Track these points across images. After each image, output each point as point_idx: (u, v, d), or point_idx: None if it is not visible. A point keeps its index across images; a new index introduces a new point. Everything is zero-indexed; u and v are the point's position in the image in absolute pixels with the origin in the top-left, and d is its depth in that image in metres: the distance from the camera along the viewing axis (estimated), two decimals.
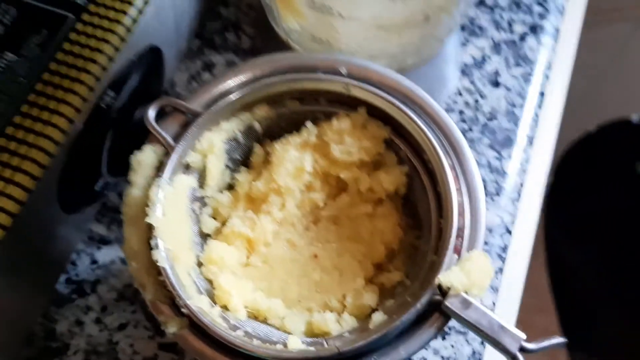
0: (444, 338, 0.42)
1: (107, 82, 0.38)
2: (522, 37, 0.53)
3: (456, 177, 0.31)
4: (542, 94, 0.51)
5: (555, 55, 0.54)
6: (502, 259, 0.45)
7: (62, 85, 0.36)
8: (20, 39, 0.37)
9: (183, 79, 0.50)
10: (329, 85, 0.34)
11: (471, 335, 0.43)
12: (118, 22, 0.38)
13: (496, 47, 0.52)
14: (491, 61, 0.52)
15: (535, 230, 0.53)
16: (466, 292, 0.28)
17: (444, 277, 0.29)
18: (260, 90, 0.34)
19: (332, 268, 0.35)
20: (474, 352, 0.42)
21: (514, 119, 0.50)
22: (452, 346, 0.42)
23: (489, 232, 0.45)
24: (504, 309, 0.46)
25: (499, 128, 0.49)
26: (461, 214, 0.30)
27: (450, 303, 0.28)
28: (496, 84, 0.51)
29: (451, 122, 0.32)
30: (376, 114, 0.34)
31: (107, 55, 0.37)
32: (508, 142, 0.49)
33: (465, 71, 0.51)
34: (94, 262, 0.44)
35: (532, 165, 0.50)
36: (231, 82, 0.34)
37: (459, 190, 0.31)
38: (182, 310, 0.29)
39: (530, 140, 0.50)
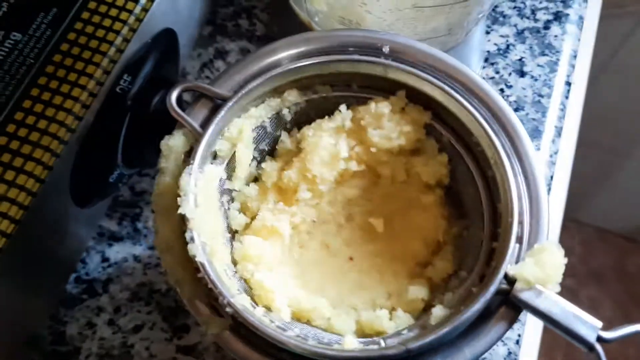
0: None
1: (122, 66, 0.35)
2: (546, 25, 0.51)
3: (510, 160, 0.29)
4: (568, 84, 0.50)
5: (580, 44, 0.52)
6: None
7: (74, 67, 0.34)
8: (28, 18, 0.34)
9: (195, 67, 0.48)
10: (366, 68, 0.31)
11: (506, 334, 0.41)
12: (134, 0, 0.35)
13: (520, 34, 0.50)
14: (515, 50, 0.50)
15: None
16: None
17: (516, 270, 0.26)
18: (290, 73, 0.31)
19: (371, 270, 0.32)
20: (509, 353, 0.40)
21: (542, 110, 0.48)
22: None
23: None
24: None
25: (526, 119, 0.47)
26: (519, 197, 0.28)
27: (520, 293, 0.26)
28: (522, 73, 0.49)
29: (500, 98, 0.30)
30: (416, 98, 0.32)
31: (122, 36, 0.35)
32: (536, 133, 0.47)
33: (489, 60, 0.49)
34: (104, 260, 0.41)
35: (560, 157, 0.48)
36: (259, 63, 0.31)
37: (514, 173, 0.28)
38: (226, 309, 0.26)
39: (559, 132, 0.48)
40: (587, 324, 0.26)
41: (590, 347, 0.26)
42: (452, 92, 0.30)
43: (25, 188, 0.31)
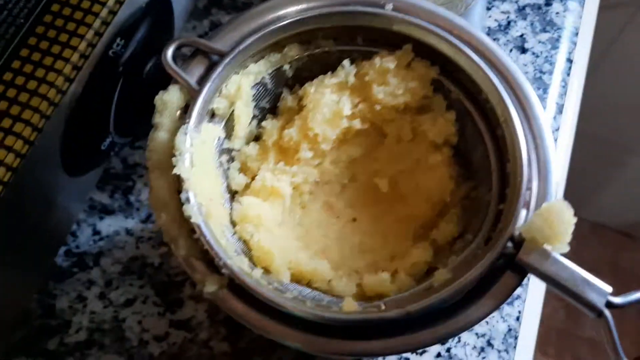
0: None
1: (115, 29, 0.34)
2: (548, 2, 0.50)
3: (520, 120, 0.28)
4: (569, 61, 0.49)
5: (581, 22, 0.51)
6: None
7: (65, 28, 0.33)
8: None
9: None
10: (369, 20, 0.30)
11: (506, 311, 0.40)
12: None
13: (521, 11, 0.50)
14: (517, 26, 0.49)
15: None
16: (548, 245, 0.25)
17: (523, 229, 0.25)
18: (291, 26, 0.30)
19: (374, 231, 0.31)
20: (509, 329, 0.40)
21: (544, 86, 0.47)
22: (487, 322, 0.40)
23: None
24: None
25: None
26: (529, 160, 0.27)
27: (527, 256, 0.25)
28: (523, 49, 0.48)
29: (509, 59, 0.29)
30: (423, 53, 0.31)
31: None
32: None
33: (490, 36, 0.48)
34: (96, 233, 0.40)
35: (561, 134, 0.48)
36: (260, 20, 0.30)
37: (524, 133, 0.27)
38: (223, 271, 0.25)
39: (560, 109, 0.47)
40: (596, 289, 0.24)
41: (599, 313, 0.25)
42: (461, 45, 0.29)
43: (13, 149, 0.30)
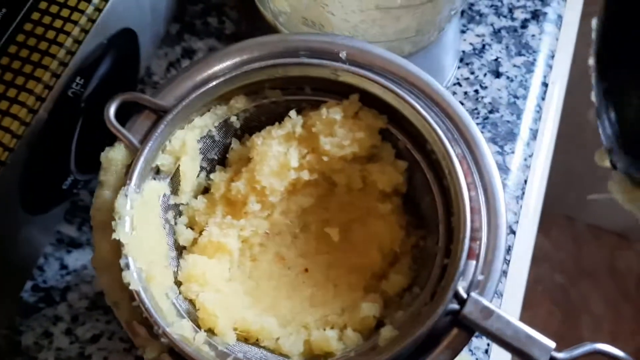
0: None
1: (74, 68, 0.34)
2: (524, 24, 0.50)
3: (468, 170, 0.27)
4: (545, 85, 0.48)
5: (558, 44, 0.51)
6: (507, 262, 0.42)
7: (22, 70, 0.33)
8: None
9: (161, 66, 0.47)
10: (315, 71, 0.30)
11: (475, 344, 0.40)
12: (86, 0, 0.34)
13: (496, 34, 0.49)
14: (491, 49, 0.49)
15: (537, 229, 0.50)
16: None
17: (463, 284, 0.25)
18: (237, 79, 0.30)
19: (325, 281, 0.31)
20: None
21: (517, 111, 0.46)
22: None
23: None
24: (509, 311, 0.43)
25: (501, 121, 0.46)
26: (476, 211, 0.26)
27: (469, 312, 0.25)
28: (497, 74, 0.48)
29: (462, 109, 0.29)
30: (370, 102, 0.30)
31: (73, 37, 0.34)
32: (511, 136, 0.46)
33: (464, 60, 0.48)
34: (63, 267, 0.40)
35: (535, 161, 0.47)
36: (205, 72, 0.30)
37: (471, 184, 0.27)
38: (162, 340, 0.25)
39: (534, 134, 0.47)
40: (539, 344, 0.25)
41: None
42: (405, 95, 0.28)
43: None
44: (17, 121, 0.31)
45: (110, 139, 0.31)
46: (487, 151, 0.28)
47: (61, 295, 0.39)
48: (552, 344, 0.25)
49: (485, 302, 0.25)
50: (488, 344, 0.40)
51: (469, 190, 0.27)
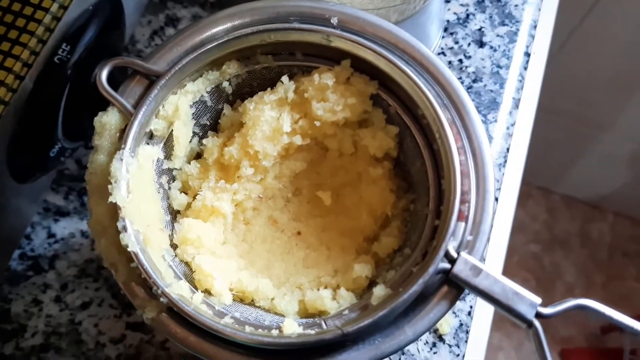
0: None
1: (60, 35, 0.33)
2: None
3: (457, 134, 0.28)
4: (527, 54, 0.49)
5: (540, 14, 0.51)
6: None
7: (7, 36, 0.32)
8: None
9: (145, 34, 0.46)
10: (307, 36, 0.30)
11: (458, 306, 0.41)
12: None
13: (480, 4, 0.49)
14: (475, 19, 0.49)
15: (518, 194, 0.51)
16: None
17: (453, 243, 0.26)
18: (229, 44, 0.30)
19: (318, 244, 0.31)
20: (461, 324, 0.41)
21: (500, 81, 0.47)
22: None
23: None
24: None
25: (484, 90, 0.47)
26: (465, 174, 0.27)
27: (459, 271, 0.26)
28: (481, 43, 0.48)
29: (452, 75, 0.29)
30: (362, 67, 0.31)
31: (58, 2, 0.33)
32: (494, 104, 0.46)
33: (448, 29, 0.48)
34: (51, 235, 0.40)
35: (517, 129, 0.48)
36: (197, 37, 0.30)
37: (461, 148, 0.28)
38: (161, 299, 0.25)
39: (516, 103, 0.47)
40: (526, 301, 0.25)
41: (529, 324, 0.26)
42: (396, 60, 0.29)
43: None
44: (3, 87, 0.31)
45: (97, 107, 0.30)
46: (476, 117, 0.29)
47: (49, 264, 0.40)
48: (538, 300, 0.26)
49: (475, 261, 0.26)
50: (471, 307, 0.41)
51: (458, 154, 0.27)
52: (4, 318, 0.38)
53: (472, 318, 0.41)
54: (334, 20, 0.29)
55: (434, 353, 0.40)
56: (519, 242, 1.28)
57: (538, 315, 0.26)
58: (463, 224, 0.27)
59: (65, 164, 0.41)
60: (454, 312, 0.41)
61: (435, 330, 0.40)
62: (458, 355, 0.40)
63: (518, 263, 1.29)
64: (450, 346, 0.40)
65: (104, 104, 0.30)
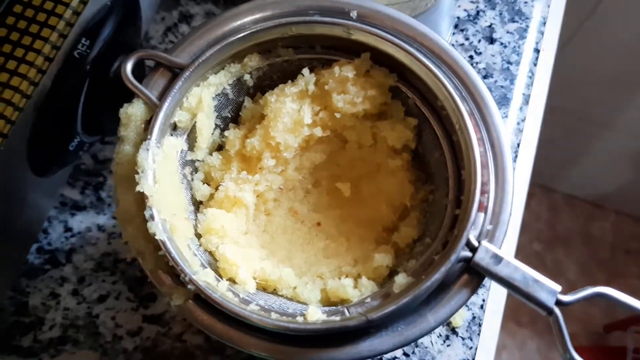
0: None
1: (80, 29, 0.34)
2: None
3: (476, 126, 0.28)
4: (537, 51, 0.49)
5: (549, 11, 0.52)
6: None
7: (28, 30, 0.32)
8: None
9: (159, 31, 0.47)
10: (327, 29, 0.30)
11: (471, 299, 0.41)
12: None
13: (490, 1, 0.50)
14: (485, 16, 0.49)
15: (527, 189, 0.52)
16: None
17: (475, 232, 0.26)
18: (250, 37, 0.30)
19: (338, 235, 0.32)
20: (473, 317, 0.41)
21: (510, 77, 0.48)
22: None
23: None
24: None
25: (495, 86, 0.47)
26: (484, 165, 0.28)
27: (481, 259, 0.26)
28: (491, 40, 0.49)
29: (470, 68, 0.29)
30: (381, 60, 0.31)
31: None
32: (504, 100, 0.47)
33: (459, 26, 0.49)
34: (67, 229, 0.40)
35: (527, 124, 0.49)
36: (219, 30, 0.30)
37: (480, 139, 0.28)
38: (188, 287, 0.26)
39: (526, 99, 0.48)
40: (546, 288, 0.26)
41: (550, 311, 0.26)
42: (417, 53, 0.29)
43: None
44: (25, 81, 0.31)
45: (115, 102, 0.31)
46: (495, 108, 0.29)
47: (66, 257, 0.40)
48: (558, 287, 0.26)
49: (495, 250, 0.26)
50: (483, 300, 0.42)
51: (478, 145, 0.27)
52: (22, 311, 0.38)
53: (484, 311, 0.42)
54: (353, 14, 0.30)
55: (447, 345, 0.40)
56: (521, 241, 1.28)
57: (558, 303, 0.26)
58: (482, 214, 0.27)
59: (81, 158, 0.42)
60: (467, 306, 0.41)
61: (449, 323, 0.41)
62: (471, 348, 0.41)
63: (520, 261, 1.29)
64: (463, 339, 0.41)
65: (121, 98, 0.31)
